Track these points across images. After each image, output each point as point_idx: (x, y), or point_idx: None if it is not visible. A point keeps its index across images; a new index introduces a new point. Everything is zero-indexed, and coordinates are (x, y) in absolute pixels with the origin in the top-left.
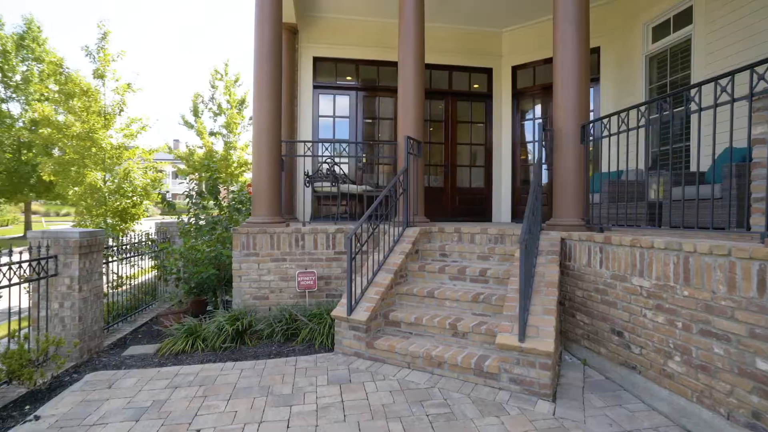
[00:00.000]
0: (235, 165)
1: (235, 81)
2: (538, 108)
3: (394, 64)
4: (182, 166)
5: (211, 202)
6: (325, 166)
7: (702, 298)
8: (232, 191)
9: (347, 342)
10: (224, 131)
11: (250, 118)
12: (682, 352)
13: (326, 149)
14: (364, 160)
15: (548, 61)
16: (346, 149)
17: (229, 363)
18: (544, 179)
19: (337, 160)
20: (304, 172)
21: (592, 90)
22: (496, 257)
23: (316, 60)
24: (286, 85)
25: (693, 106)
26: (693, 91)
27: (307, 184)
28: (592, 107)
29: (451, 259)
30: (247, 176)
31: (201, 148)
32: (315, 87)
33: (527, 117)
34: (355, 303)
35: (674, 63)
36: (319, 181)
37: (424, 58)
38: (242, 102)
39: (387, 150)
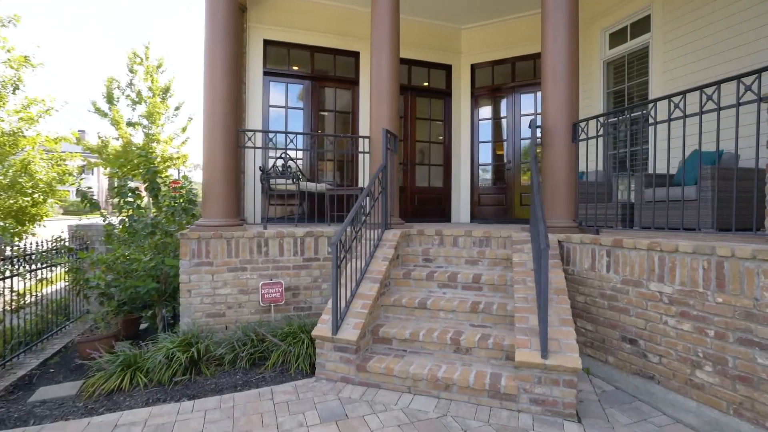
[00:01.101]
0: (158, 160)
1: (158, 66)
2: (499, 107)
3: (354, 54)
4: (93, 160)
5: (143, 201)
6: (282, 161)
7: (741, 305)
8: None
9: (332, 366)
10: (145, 122)
11: (177, 108)
12: (714, 361)
13: (291, 141)
14: (333, 156)
15: (506, 61)
16: (308, 143)
17: (187, 402)
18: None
19: (291, 155)
20: (259, 168)
21: None
22: (485, 261)
23: (266, 43)
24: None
25: (677, 113)
26: (677, 98)
27: (263, 181)
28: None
29: (436, 264)
30: (172, 172)
31: (117, 139)
32: (266, 74)
33: (487, 116)
34: (340, 319)
35: (631, 69)
36: (276, 178)
37: (399, 46)
38: (166, 90)
39: (344, 146)
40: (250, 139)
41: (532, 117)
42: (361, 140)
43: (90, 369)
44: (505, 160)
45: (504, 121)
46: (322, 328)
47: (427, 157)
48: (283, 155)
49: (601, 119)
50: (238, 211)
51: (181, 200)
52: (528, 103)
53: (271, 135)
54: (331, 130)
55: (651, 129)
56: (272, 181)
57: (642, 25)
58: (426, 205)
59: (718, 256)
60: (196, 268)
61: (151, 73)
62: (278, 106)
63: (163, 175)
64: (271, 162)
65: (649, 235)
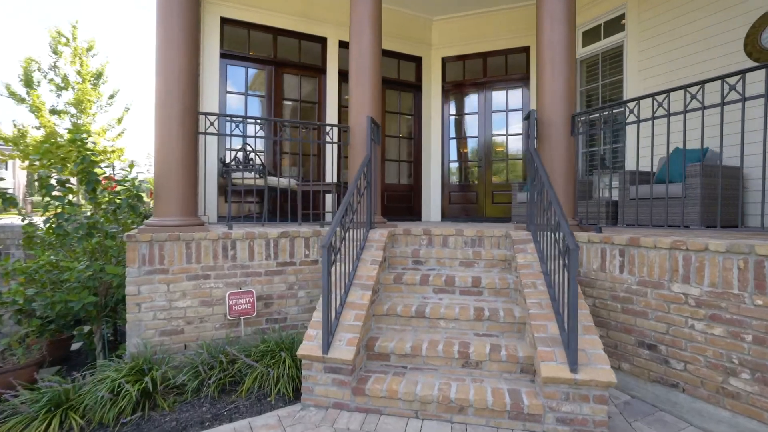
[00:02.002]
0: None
1: (89, 49)
2: (469, 102)
3: (321, 40)
4: (8, 152)
5: (75, 197)
6: (243, 153)
7: None
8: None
9: (322, 390)
10: (73, 110)
11: (111, 97)
12: (753, 368)
13: (260, 127)
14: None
15: (478, 56)
16: (271, 132)
17: None
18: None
19: (254, 147)
20: (219, 160)
21: (520, 90)
22: (481, 263)
23: (224, 21)
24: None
25: (661, 111)
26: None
27: (224, 175)
28: (520, 106)
29: (427, 267)
30: (106, 168)
31: (38, 128)
32: (223, 56)
33: (459, 112)
34: (331, 334)
35: (605, 68)
36: (238, 172)
37: (381, 24)
38: (99, 75)
39: (315, 137)
40: (212, 124)
41: (504, 113)
42: (329, 133)
43: (2, 414)
44: (477, 158)
45: (476, 117)
46: (309, 346)
47: (397, 153)
48: (245, 146)
49: (595, 114)
50: (197, 207)
51: (128, 194)
52: (500, 99)
53: (236, 121)
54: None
55: (628, 127)
56: (234, 175)
57: (616, 24)
58: (395, 203)
59: (758, 255)
60: (147, 276)
61: (79, 55)
62: (236, 92)
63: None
64: (235, 153)
65: (637, 232)
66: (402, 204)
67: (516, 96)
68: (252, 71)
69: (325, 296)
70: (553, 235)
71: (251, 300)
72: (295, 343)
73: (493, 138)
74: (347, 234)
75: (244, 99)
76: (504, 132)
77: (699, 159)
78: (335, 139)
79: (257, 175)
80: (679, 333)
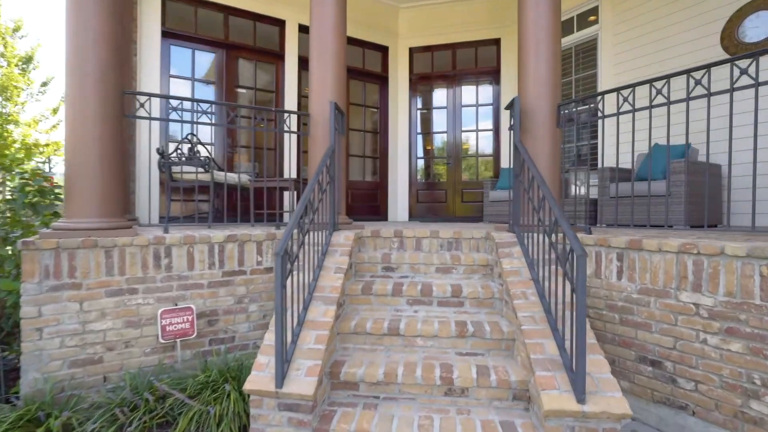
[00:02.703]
0: (17, 146)
1: (15, 30)
2: (437, 96)
3: (279, 23)
4: None
5: None
6: (189, 144)
7: None
8: (9, 186)
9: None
10: None
11: (44, 84)
12: None
13: (208, 114)
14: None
15: (447, 47)
16: (223, 119)
17: None
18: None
19: (206, 138)
20: (157, 150)
21: (491, 85)
22: (460, 269)
23: None
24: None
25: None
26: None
27: (162, 168)
28: (491, 101)
29: (400, 274)
30: (38, 163)
31: None
32: (165, 35)
33: (427, 106)
34: (287, 362)
35: (578, 61)
36: (180, 165)
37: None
38: (28, 60)
39: (250, 132)
40: (142, 105)
41: (473, 108)
42: (286, 121)
43: None
44: (446, 154)
45: (444, 112)
46: (259, 378)
47: (362, 148)
48: (189, 136)
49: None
50: (126, 207)
51: (27, 188)
52: (469, 93)
53: (175, 105)
54: (247, 111)
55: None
56: (176, 169)
57: (590, 17)
58: (360, 202)
59: None
60: (52, 294)
61: (3, 35)
62: (181, 77)
63: (24, 169)
64: (177, 144)
65: (625, 233)
66: (367, 203)
67: (486, 90)
68: (201, 54)
69: (279, 315)
70: (544, 238)
71: (190, 318)
72: (244, 370)
73: (463, 134)
74: (307, 238)
75: (191, 85)
76: (474, 128)
77: (679, 155)
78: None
79: (202, 170)
80: (689, 348)
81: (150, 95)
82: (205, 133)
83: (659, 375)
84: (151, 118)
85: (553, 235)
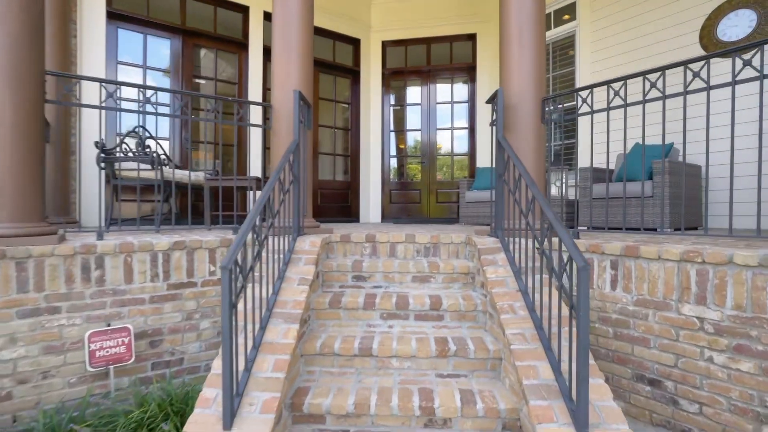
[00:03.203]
0: None
1: None
2: (411, 92)
3: (243, 9)
4: None
5: None
6: (139, 137)
7: None
8: None
9: None
10: None
11: None
12: None
13: (157, 104)
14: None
15: (421, 42)
16: (178, 110)
17: None
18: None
19: (152, 131)
20: (95, 144)
21: (467, 81)
22: (439, 277)
23: None
24: None
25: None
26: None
27: (101, 164)
28: (466, 98)
29: (372, 283)
30: None
31: None
32: (111, 16)
33: (400, 102)
34: (238, 395)
35: (555, 59)
36: (124, 161)
37: None
38: None
39: (212, 127)
40: (71, 91)
41: (449, 105)
42: (240, 113)
43: None
44: (421, 153)
45: (419, 109)
46: (203, 418)
47: (332, 146)
48: (137, 129)
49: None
50: (42, 208)
51: None
52: (444, 90)
53: (117, 93)
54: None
55: (584, 119)
56: (126, 165)
57: (567, 13)
58: (330, 202)
59: None
60: None
61: None
62: (131, 64)
63: None
64: (121, 138)
65: (617, 237)
66: (337, 203)
67: (462, 87)
68: (155, 41)
69: (227, 341)
70: (533, 244)
71: (126, 340)
72: (190, 401)
73: (438, 132)
74: (265, 245)
75: (143, 73)
76: (449, 126)
77: (659, 155)
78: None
79: (153, 167)
80: (692, 367)
81: (77, 77)
82: (163, 127)
83: (659, 395)
84: (80, 105)
85: (545, 242)
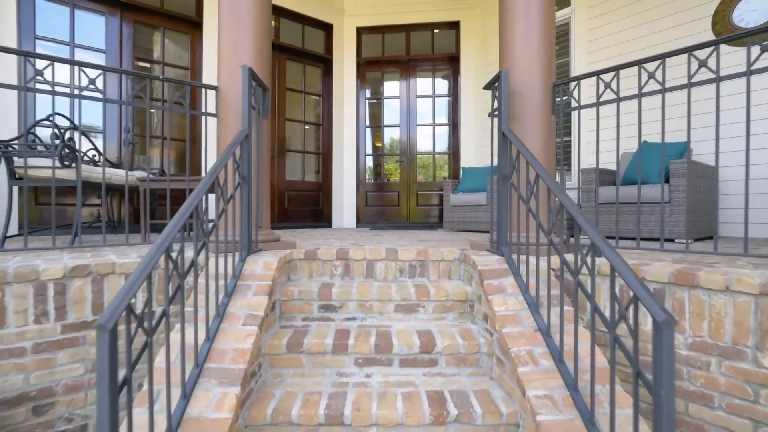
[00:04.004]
0: None
1: None
2: (389, 85)
3: None
4: None
5: None
6: (56, 127)
7: None
8: None
9: None
10: None
11: None
12: None
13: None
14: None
15: (400, 29)
16: (122, 95)
17: None
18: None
19: (90, 121)
20: None
21: (449, 73)
22: (429, 306)
23: None
24: None
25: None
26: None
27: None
28: (446, 92)
29: (344, 315)
30: None
31: None
32: None
33: (377, 95)
34: None
35: None
36: (39, 156)
37: None
38: None
39: (176, 120)
40: None
41: (430, 98)
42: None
43: None
44: (399, 151)
45: (397, 103)
46: None
47: (301, 143)
48: (51, 117)
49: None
50: None
51: None
52: (425, 82)
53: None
54: (158, 93)
55: (574, 114)
56: (27, 162)
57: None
58: (299, 205)
59: None
60: None
61: None
62: (55, 40)
63: None
64: (28, 127)
65: (645, 256)
66: (307, 207)
67: (444, 80)
68: (84, 14)
69: None
70: (549, 261)
71: None
72: None
73: (418, 128)
74: (196, 271)
75: (70, 52)
76: (430, 121)
77: (672, 155)
78: (214, 110)
79: (66, 163)
80: None
81: None
82: (110, 117)
83: None
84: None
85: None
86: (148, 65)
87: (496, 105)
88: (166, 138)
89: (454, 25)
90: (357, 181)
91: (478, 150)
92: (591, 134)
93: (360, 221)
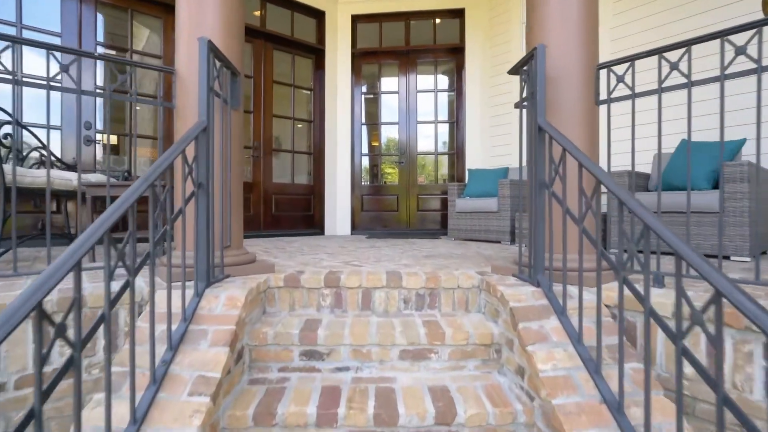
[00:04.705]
0: None
1: None
2: (387, 78)
3: None
4: None
5: None
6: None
7: None
8: None
9: None
10: None
11: None
12: None
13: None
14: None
15: (398, 16)
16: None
17: None
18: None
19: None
20: None
21: (453, 65)
22: (444, 352)
23: None
24: None
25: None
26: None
27: None
28: (449, 86)
29: (334, 364)
30: None
31: None
32: None
33: (373, 90)
34: None
35: None
36: None
37: None
38: None
39: (149, 115)
40: None
41: (432, 93)
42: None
43: None
44: (398, 151)
45: (396, 98)
46: None
47: (290, 142)
48: None
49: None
50: None
51: None
52: (427, 76)
53: None
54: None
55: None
56: None
57: None
58: (288, 210)
59: None
60: None
61: None
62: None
63: None
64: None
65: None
66: (297, 212)
67: (448, 73)
68: None
69: None
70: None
71: None
72: None
73: (419, 126)
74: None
75: (17, 33)
76: (432, 118)
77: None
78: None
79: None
80: None
81: None
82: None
83: None
84: None
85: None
86: (113, 52)
87: (525, 93)
88: (132, 135)
89: (458, 13)
90: (352, 183)
91: (484, 149)
92: (618, 132)
93: (355, 228)
